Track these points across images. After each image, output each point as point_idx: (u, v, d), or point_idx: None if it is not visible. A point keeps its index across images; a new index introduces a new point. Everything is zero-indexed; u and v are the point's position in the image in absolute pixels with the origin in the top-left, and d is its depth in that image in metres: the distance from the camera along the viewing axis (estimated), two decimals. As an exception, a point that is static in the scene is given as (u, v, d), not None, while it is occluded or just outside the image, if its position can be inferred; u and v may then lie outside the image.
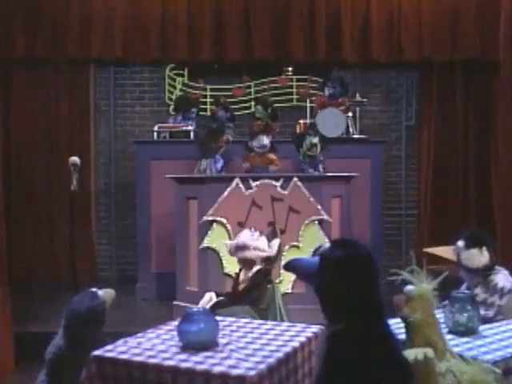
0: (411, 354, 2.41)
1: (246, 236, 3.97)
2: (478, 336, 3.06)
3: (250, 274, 3.87)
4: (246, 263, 3.93)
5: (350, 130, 6.62)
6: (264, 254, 3.89)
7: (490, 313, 3.47)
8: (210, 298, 3.76)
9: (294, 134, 6.37)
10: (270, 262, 3.93)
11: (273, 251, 3.95)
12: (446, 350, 2.61)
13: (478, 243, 3.62)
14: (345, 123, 6.47)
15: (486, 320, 3.34)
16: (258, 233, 4.01)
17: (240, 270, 4.01)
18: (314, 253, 2.73)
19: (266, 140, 5.83)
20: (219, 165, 5.91)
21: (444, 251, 3.84)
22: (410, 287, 2.63)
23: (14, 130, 6.98)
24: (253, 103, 7.13)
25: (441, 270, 2.82)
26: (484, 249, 3.61)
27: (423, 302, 2.59)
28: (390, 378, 2.19)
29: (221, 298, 3.76)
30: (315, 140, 5.83)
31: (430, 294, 2.61)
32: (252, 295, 3.72)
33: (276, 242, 4.03)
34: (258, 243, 3.91)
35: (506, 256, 5.01)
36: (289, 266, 2.53)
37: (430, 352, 2.44)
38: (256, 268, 3.88)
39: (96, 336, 3.18)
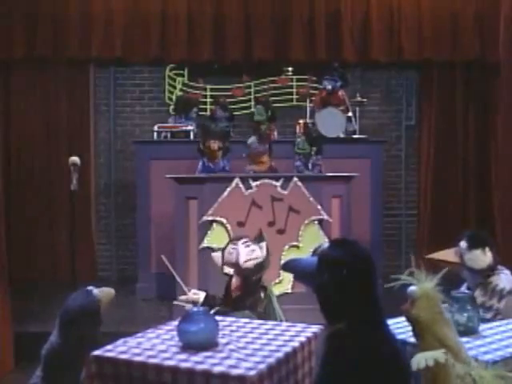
0: (421, 359, 2.36)
1: (244, 253, 3.73)
2: (478, 336, 3.06)
3: (243, 281, 3.72)
4: (242, 272, 3.75)
5: (354, 124, 6.54)
6: (259, 261, 3.79)
7: (488, 315, 3.46)
8: (197, 298, 3.64)
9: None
10: (261, 267, 3.81)
11: (263, 255, 3.81)
12: (461, 350, 2.56)
13: (480, 244, 3.61)
14: (344, 123, 6.44)
15: (484, 322, 3.33)
16: (251, 243, 3.79)
17: (232, 276, 3.83)
18: (314, 253, 2.73)
19: (251, 140, 5.82)
20: (222, 163, 5.89)
21: (445, 254, 3.82)
22: (412, 288, 2.61)
23: (14, 130, 6.98)
24: (253, 103, 7.12)
25: (444, 267, 2.79)
26: (487, 249, 3.60)
27: (428, 300, 2.56)
28: (390, 378, 2.19)
29: (217, 307, 3.61)
30: (299, 141, 5.80)
31: (434, 291, 2.59)
32: (246, 302, 3.62)
33: (264, 245, 3.88)
34: (256, 254, 3.73)
35: (506, 256, 5.00)
36: (287, 267, 2.53)
37: (440, 356, 2.39)
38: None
39: (92, 335, 3.18)
